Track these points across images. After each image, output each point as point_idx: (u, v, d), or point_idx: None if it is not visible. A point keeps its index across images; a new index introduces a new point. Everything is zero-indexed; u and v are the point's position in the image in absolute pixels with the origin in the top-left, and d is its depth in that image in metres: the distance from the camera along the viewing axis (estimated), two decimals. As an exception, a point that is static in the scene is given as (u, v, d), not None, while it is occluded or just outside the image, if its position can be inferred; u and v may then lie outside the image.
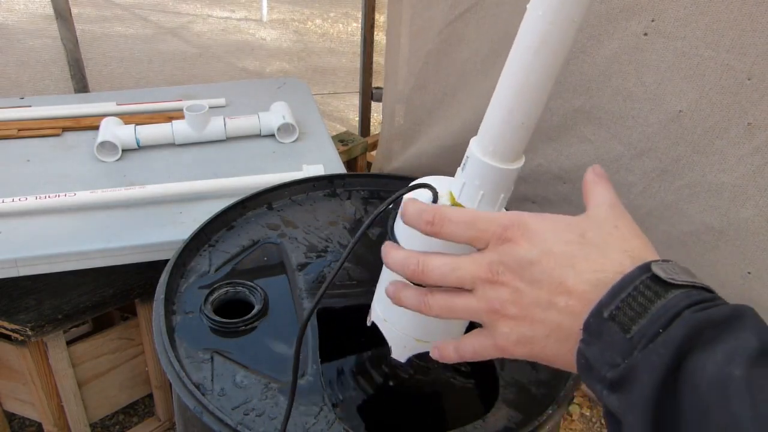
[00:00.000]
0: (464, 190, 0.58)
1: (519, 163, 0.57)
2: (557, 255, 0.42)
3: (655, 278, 0.38)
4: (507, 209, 0.58)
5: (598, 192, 0.47)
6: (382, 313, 0.68)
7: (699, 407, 0.34)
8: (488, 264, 0.44)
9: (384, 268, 0.64)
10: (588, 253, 0.42)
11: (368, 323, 0.70)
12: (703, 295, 0.38)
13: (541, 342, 0.43)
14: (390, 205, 0.56)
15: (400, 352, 0.67)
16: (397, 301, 0.51)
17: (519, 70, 0.52)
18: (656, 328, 0.36)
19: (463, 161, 0.59)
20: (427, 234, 0.48)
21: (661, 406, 0.35)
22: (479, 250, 0.46)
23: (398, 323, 0.66)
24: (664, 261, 0.39)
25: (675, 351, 0.35)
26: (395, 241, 0.59)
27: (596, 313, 0.39)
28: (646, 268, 0.39)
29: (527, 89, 0.52)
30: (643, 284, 0.38)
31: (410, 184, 0.57)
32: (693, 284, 0.38)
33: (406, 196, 0.56)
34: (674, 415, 0.35)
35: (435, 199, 0.58)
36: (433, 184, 0.58)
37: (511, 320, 0.44)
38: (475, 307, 0.45)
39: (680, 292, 0.37)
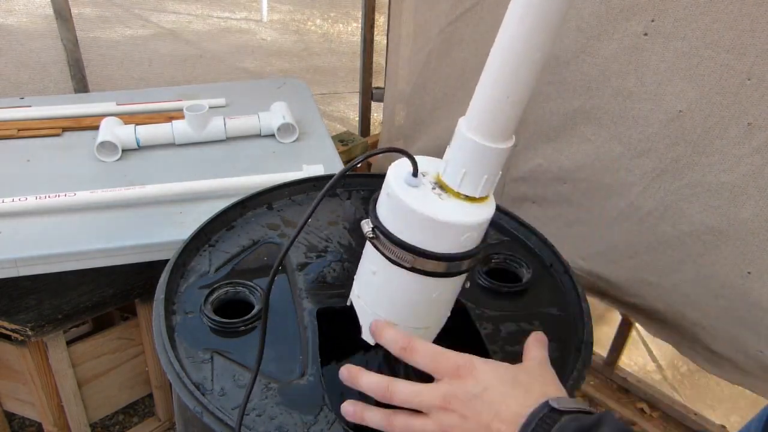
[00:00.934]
0: (448, 168, 0.58)
1: (505, 144, 0.56)
2: (495, 392, 0.56)
3: (553, 410, 0.53)
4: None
5: (534, 350, 0.64)
6: (358, 289, 0.67)
7: None
8: (443, 395, 0.57)
9: (366, 245, 0.63)
10: (517, 392, 0.56)
11: (348, 303, 0.70)
12: (586, 415, 0.53)
13: None
14: (359, 164, 0.60)
15: (369, 334, 0.67)
16: (359, 420, 0.62)
17: (504, 40, 0.51)
18: None
19: (452, 138, 0.58)
20: (398, 357, 0.61)
21: None
22: (436, 380, 0.59)
23: (370, 301, 0.66)
24: (559, 397, 0.54)
25: None
26: (376, 218, 0.60)
27: None
28: (545, 404, 0.53)
29: (512, 60, 0.51)
30: (546, 416, 0.53)
31: (386, 147, 0.57)
32: (580, 410, 0.53)
33: (383, 321, 0.64)
34: None
35: (414, 171, 0.57)
36: (421, 161, 0.58)
37: None
38: (431, 428, 0.58)
39: (570, 416, 0.52)
